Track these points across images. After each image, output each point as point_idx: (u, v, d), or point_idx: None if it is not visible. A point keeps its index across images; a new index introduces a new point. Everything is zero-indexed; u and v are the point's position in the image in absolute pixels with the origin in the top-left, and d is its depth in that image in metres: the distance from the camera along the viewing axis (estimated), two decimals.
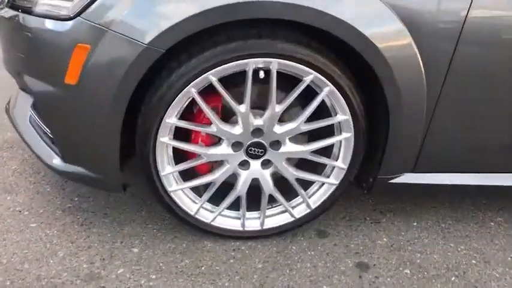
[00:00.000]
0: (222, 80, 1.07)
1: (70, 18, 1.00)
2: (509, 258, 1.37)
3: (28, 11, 1.07)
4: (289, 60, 1.03)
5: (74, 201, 1.48)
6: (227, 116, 1.19)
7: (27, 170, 1.63)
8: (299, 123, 1.15)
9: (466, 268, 1.32)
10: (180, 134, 1.18)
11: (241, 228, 1.31)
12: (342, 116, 1.14)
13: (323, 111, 1.19)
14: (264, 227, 1.32)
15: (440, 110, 1.17)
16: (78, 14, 0.99)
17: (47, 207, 1.43)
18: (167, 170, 1.17)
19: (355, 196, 1.62)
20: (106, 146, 1.10)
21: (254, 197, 1.29)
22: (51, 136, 1.18)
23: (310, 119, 1.18)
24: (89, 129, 1.08)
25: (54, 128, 1.16)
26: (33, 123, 1.26)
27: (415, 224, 1.52)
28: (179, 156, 1.22)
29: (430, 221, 1.54)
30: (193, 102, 1.10)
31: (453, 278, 1.28)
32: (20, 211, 1.41)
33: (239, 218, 1.30)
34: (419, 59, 1.06)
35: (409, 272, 1.29)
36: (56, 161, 1.20)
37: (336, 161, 1.24)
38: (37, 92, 1.11)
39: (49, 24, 1.02)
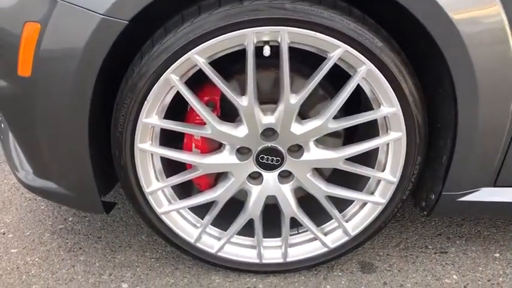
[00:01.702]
0: (220, 66, 0.79)
1: None
2: None
3: None
4: (305, 28, 0.72)
5: (67, 221, 1.26)
6: (231, 114, 0.89)
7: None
8: (326, 120, 0.82)
9: None
10: (173, 138, 0.91)
11: (257, 261, 1.00)
12: (388, 108, 0.81)
13: (362, 104, 0.87)
14: (288, 260, 1.00)
15: None
16: None
17: (35, 229, 1.22)
18: (154, 186, 0.89)
19: (413, 217, 1.25)
20: (74, 154, 0.85)
21: (275, 220, 0.98)
22: (17, 142, 0.96)
23: (344, 115, 0.86)
24: (52, 132, 0.84)
25: (16, 134, 0.93)
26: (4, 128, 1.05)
27: (497, 255, 1.12)
28: (179, 167, 0.95)
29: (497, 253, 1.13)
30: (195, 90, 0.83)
31: None
32: (4, 233, 1.21)
33: (255, 248, 1.00)
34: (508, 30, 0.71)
35: None
36: (28, 176, 0.98)
37: (383, 171, 0.90)
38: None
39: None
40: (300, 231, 1.01)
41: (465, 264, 1.08)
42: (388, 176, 0.89)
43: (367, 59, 0.75)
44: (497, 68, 0.76)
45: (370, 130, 0.91)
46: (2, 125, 1.06)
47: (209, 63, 0.77)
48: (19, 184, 1.44)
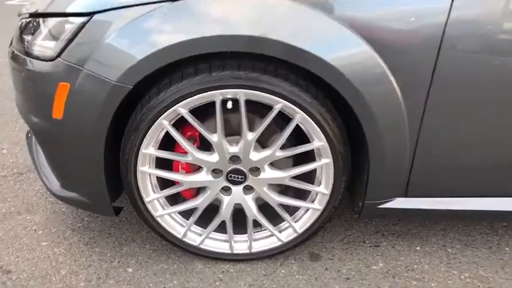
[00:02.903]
0: (199, 109, 1.11)
1: (53, 59, 1.09)
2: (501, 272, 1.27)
3: (25, 52, 1.18)
4: (255, 90, 1.04)
5: (84, 221, 1.58)
6: (208, 145, 1.21)
7: (48, 191, 1.78)
8: (274, 150, 1.15)
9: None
10: (167, 161, 1.23)
11: (229, 251, 1.33)
12: (318, 142, 1.13)
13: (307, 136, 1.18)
14: (253, 250, 1.33)
15: (428, 132, 1.11)
16: (59, 55, 1.08)
17: (59, 227, 1.55)
18: (151, 196, 1.22)
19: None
20: (92, 173, 1.17)
21: (242, 221, 1.31)
22: (50, 164, 1.29)
23: (295, 142, 1.18)
24: (76, 158, 1.17)
25: (50, 158, 1.26)
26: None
27: (418, 248, 1.45)
28: (170, 182, 1.27)
29: (436, 245, 1.46)
30: (180, 128, 1.16)
31: None
32: (36, 230, 1.54)
33: (227, 241, 1.33)
34: (396, 86, 1.02)
35: None
36: (56, 187, 1.30)
37: (319, 186, 1.22)
38: (33, 126, 1.22)
39: (37, 64, 1.13)
40: (262, 229, 1.34)
41: (391, 255, 1.41)
42: (323, 189, 1.22)
43: (300, 109, 1.07)
44: (388, 105, 1.07)
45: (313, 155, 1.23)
46: (34, 146, 1.38)
47: (192, 109, 1.10)
48: (43, 190, 1.78)
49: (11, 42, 1.32)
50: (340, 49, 0.99)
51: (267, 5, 1.00)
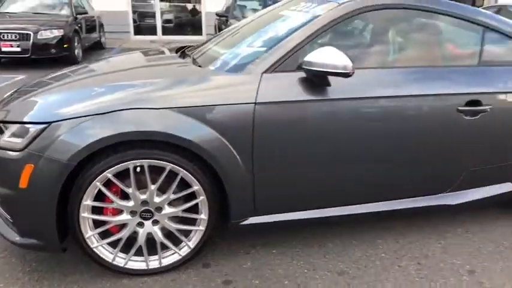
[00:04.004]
0: (122, 173, 1.80)
1: (21, 150, 1.72)
2: (330, 265, 2.08)
3: None
4: (152, 159, 1.77)
5: (32, 265, 2.09)
6: (127, 194, 1.88)
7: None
8: (169, 195, 1.86)
9: (301, 277, 2.01)
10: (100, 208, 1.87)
11: (146, 268, 1.96)
12: (196, 187, 1.87)
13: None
14: (162, 265, 1.98)
15: (259, 171, 1.91)
16: (26, 147, 1.71)
17: (12, 272, 2.04)
18: (89, 233, 1.84)
19: (241, 235, 2.31)
20: (47, 223, 1.77)
21: (154, 244, 1.97)
22: (11, 221, 1.84)
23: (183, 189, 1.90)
24: (36, 215, 1.76)
25: (12, 215, 1.82)
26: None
27: (274, 251, 2.21)
28: (102, 221, 1.90)
29: (288, 248, 2.24)
30: (108, 187, 1.82)
31: (286, 282, 1.96)
32: None
33: (144, 261, 1.96)
34: (232, 149, 1.83)
35: (258, 282, 1.96)
36: (17, 238, 1.85)
37: (201, 214, 1.95)
38: (2, 194, 1.79)
39: (7, 153, 1.74)
40: (168, 249, 2.01)
41: (257, 258, 2.15)
42: (203, 216, 1.94)
43: (182, 169, 1.81)
44: (229, 160, 1.86)
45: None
46: None
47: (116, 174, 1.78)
48: None
49: None
50: (196, 133, 1.77)
51: (155, 115, 1.76)
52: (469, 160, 2.27)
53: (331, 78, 1.93)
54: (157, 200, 1.87)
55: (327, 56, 1.82)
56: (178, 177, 1.84)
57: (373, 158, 2.07)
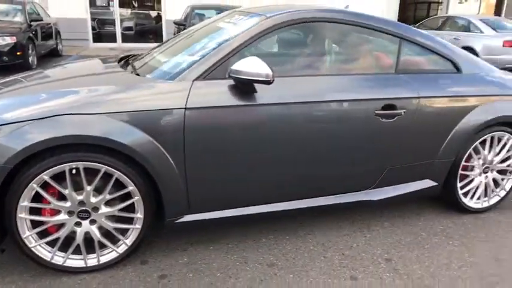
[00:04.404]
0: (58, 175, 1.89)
1: None
2: (261, 258, 2.25)
3: None
4: (87, 162, 1.88)
5: None
6: (64, 195, 1.98)
7: None
8: (104, 195, 1.98)
9: (233, 269, 2.16)
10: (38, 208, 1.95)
11: (84, 265, 2.06)
12: (131, 187, 1.99)
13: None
14: (101, 262, 2.08)
15: (191, 172, 2.06)
16: None
17: None
18: (26, 233, 1.92)
19: (181, 232, 2.44)
20: None
21: (92, 243, 2.07)
22: None
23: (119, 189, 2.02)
24: None
25: None
26: None
27: (211, 247, 2.36)
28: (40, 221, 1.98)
29: (224, 244, 2.39)
30: (45, 188, 1.90)
31: (219, 274, 2.11)
32: None
33: (83, 259, 2.06)
34: (163, 150, 1.97)
35: (192, 275, 2.10)
36: None
37: (137, 213, 2.07)
38: None
39: None
40: (106, 247, 2.11)
41: (193, 254, 2.29)
42: (139, 215, 2.07)
43: (117, 171, 1.93)
44: (162, 162, 2.00)
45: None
46: None
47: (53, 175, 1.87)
48: None
49: None
50: (129, 136, 1.90)
51: (90, 120, 1.88)
52: (388, 159, 2.52)
53: (257, 86, 2.11)
54: (93, 200, 1.97)
55: (250, 65, 2.00)
56: (113, 179, 1.95)
57: (297, 158, 2.26)
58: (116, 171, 1.94)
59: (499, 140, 2.80)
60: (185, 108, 1.99)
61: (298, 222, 2.66)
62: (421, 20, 11.61)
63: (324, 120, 2.27)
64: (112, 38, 12.65)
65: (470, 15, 10.32)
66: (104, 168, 1.92)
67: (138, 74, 2.30)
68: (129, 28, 13.09)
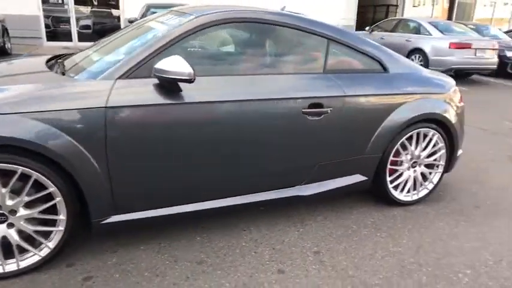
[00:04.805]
0: None
1: None
2: (192, 256, 2.26)
3: None
4: (1, 163, 1.83)
5: None
6: None
7: None
8: (22, 197, 1.93)
9: (161, 268, 2.17)
10: None
11: (2, 271, 2.00)
12: (51, 188, 1.96)
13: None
14: (21, 267, 2.03)
15: (115, 172, 2.04)
16: None
17: None
18: None
19: (110, 233, 2.41)
20: None
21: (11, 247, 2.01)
22: None
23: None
24: None
25: None
26: None
27: (141, 247, 2.35)
28: None
29: (163, 243, 2.39)
30: None
31: (146, 273, 2.11)
32: None
33: (1, 265, 2.00)
34: (86, 152, 1.94)
35: (118, 276, 2.09)
36: None
37: (60, 215, 2.03)
38: None
39: None
40: (28, 251, 2.06)
41: (122, 254, 2.27)
42: (62, 217, 2.03)
43: (34, 171, 1.89)
44: (84, 162, 1.98)
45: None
46: None
47: None
48: None
49: None
50: (46, 136, 1.86)
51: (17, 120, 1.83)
52: (318, 156, 2.60)
53: (183, 85, 2.13)
54: (10, 203, 1.92)
55: (172, 64, 2.01)
56: (31, 180, 1.91)
57: (225, 157, 2.29)
58: (34, 172, 1.89)
59: (425, 136, 2.95)
60: (106, 107, 1.98)
61: (235, 220, 2.69)
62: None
63: (251, 119, 2.31)
64: (68, 36, 12.28)
65: (420, 18, 10.76)
66: (20, 169, 1.87)
67: (63, 73, 2.26)
68: (86, 27, 12.74)
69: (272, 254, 2.36)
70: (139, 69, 2.11)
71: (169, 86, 2.12)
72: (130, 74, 2.09)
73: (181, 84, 2.13)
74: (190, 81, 2.03)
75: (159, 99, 2.09)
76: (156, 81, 2.11)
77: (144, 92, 2.08)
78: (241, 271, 2.19)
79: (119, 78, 2.06)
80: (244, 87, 2.31)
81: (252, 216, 2.75)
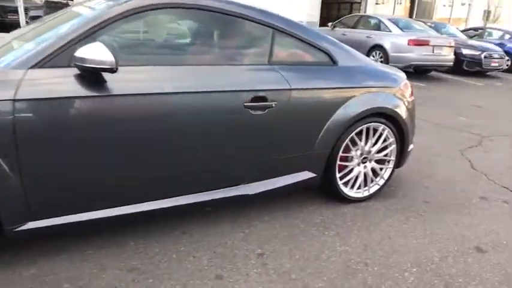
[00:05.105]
0: None
1: None
2: (122, 264, 2.06)
3: None
4: None
5: None
6: None
7: None
8: None
9: (85, 279, 1.96)
10: None
11: None
12: None
13: None
14: None
15: (29, 173, 1.81)
16: None
17: None
18: None
19: (28, 244, 2.18)
20: None
21: None
22: None
23: None
24: None
25: None
26: None
27: (63, 256, 2.13)
28: None
29: (90, 250, 2.17)
30: None
31: (66, 286, 1.90)
32: None
33: None
34: None
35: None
36: None
37: None
38: None
39: None
40: None
41: (39, 264, 2.05)
42: None
43: None
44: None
45: None
46: None
47: None
48: None
49: None
50: None
51: None
52: (263, 152, 2.45)
53: (107, 75, 1.92)
54: None
55: (93, 52, 1.81)
56: None
57: (156, 154, 2.10)
58: None
59: (375, 131, 2.88)
60: (14, 100, 1.74)
61: (176, 223, 2.51)
62: None
63: (185, 113, 2.13)
64: (16, 27, 11.57)
65: (381, 15, 10.89)
66: None
67: None
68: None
69: (212, 259, 2.20)
70: (57, 58, 1.88)
71: (91, 77, 1.90)
72: (45, 63, 1.85)
73: (106, 75, 1.93)
74: (112, 70, 1.83)
75: (79, 91, 1.87)
76: (76, 71, 1.89)
77: (62, 83, 1.85)
78: (175, 278, 2.02)
79: (32, 67, 1.83)
80: (176, 79, 2.12)
81: (195, 218, 2.58)
